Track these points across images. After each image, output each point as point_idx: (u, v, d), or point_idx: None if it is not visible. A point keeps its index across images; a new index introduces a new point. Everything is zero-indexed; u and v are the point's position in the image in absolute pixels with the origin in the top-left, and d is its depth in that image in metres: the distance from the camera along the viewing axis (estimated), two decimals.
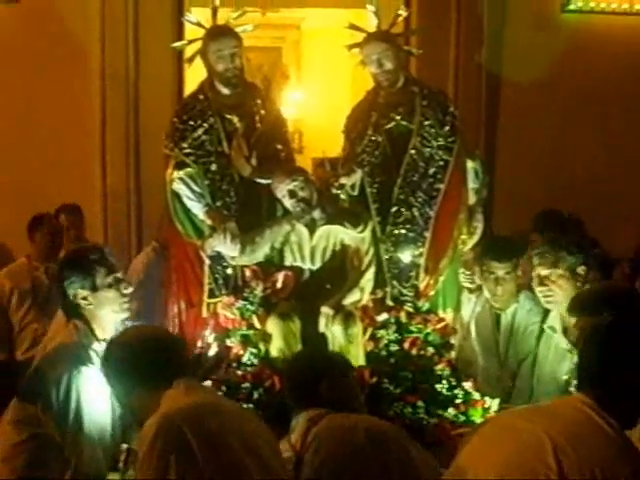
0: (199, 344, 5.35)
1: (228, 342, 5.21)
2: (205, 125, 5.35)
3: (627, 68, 7.77)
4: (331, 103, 12.90)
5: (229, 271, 5.38)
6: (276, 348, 4.99)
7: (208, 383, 4.95)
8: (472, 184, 5.61)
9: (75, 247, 5.20)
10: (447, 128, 5.51)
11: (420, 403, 4.95)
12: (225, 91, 5.39)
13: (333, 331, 4.99)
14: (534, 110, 7.84)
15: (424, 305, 5.44)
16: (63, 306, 4.30)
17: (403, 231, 5.47)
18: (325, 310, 5.03)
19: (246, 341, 5.11)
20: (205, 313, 5.36)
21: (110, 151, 7.55)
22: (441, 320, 5.46)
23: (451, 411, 4.95)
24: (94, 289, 4.17)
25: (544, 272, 4.79)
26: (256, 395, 4.86)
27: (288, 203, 5.25)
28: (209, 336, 5.31)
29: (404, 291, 5.44)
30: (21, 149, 7.35)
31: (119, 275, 4.31)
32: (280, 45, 14.06)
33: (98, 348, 4.19)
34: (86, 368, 4.02)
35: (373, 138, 5.53)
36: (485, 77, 7.80)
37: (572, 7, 7.88)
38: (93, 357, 4.13)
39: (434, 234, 5.50)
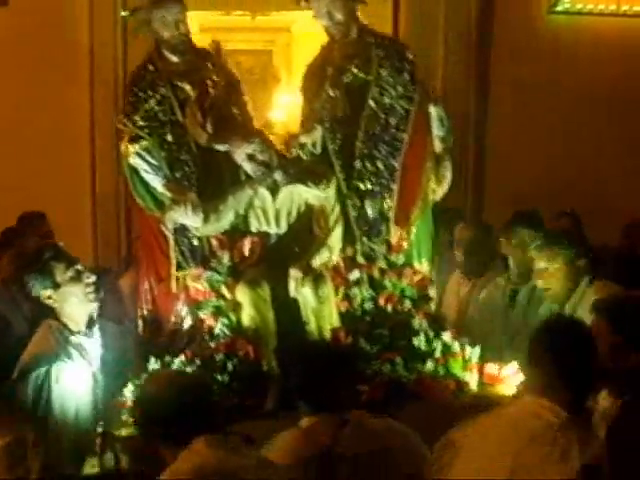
0: (172, 319, 5.27)
1: (200, 314, 5.13)
2: (157, 95, 5.21)
3: (615, 69, 7.60)
4: None
5: (195, 242, 5.26)
6: (247, 316, 4.90)
7: (182, 358, 4.90)
8: (437, 131, 5.45)
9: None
10: (406, 77, 5.35)
11: (398, 360, 4.88)
12: (174, 59, 5.25)
13: (303, 293, 4.89)
14: (522, 110, 7.65)
15: (398, 259, 5.32)
16: (32, 310, 4.31)
17: (369, 185, 5.34)
18: (294, 273, 4.92)
19: (217, 312, 5.02)
20: (174, 287, 5.25)
21: (99, 155, 7.38)
22: (417, 273, 5.36)
23: (430, 365, 4.87)
24: (56, 286, 4.20)
25: (541, 265, 4.70)
26: (230, 366, 4.78)
27: (248, 167, 5.13)
28: (181, 310, 5.23)
29: (375, 247, 5.32)
30: (10, 153, 7.18)
31: (79, 267, 4.30)
32: (271, 48, 14.10)
33: (76, 341, 4.18)
34: (62, 364, 4.07)
35: (331, 93, 5.37)
36: (474, 76, 7.59)
37: (559, 8, 7.72)
38: (71, 351, 4.16)
39: (401, 185, 5.37)
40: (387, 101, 5.33)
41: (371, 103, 5.32)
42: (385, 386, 4.77)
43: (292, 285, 4.91)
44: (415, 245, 5.48)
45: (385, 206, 5.35)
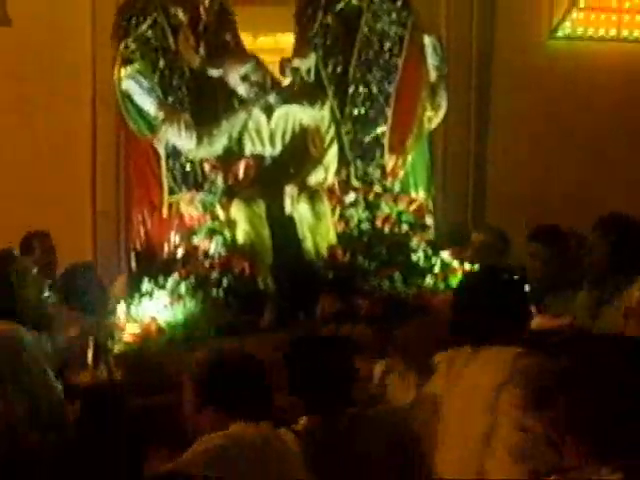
0: (165, 247, 5.18)
1: (195, 240, 5.04)
2: (148, 20, 5.15)
3: (616, 94, 7.55)
4: None
5: (187, 167, 5.18)
6: (242, 233, 4.82)
7: (176, 276, 4.81)
8: (431, 60, 5.43)
9: None
10: (399, 2, 5.33)
11: (397, 275, 4.80)
12: None
13: (300, 210, 4.82)
14: (523, 135, 7.55)
15: (394, 185, 5.27)
16: None
17: (363, 110, 5.30)
18: (289, 190, 4.86)
19: (212, 233, 4.94)
20: (166, 213, 5.16)
21: (101, 174, 7.27)
22: (413, 201, 5.30)
23: (430, 280, 4.79)
24: None
25: None
26: (226, 282, 4.69)
27: (242, 89, 5.07)
28: (175, 237, 5.14)
29: (369, 170, 5.26)
30: (10, 174, 6.99)
31: None
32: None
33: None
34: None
35: (324, 21, 5.35)
36: (474, 101, 7.53)
37: (560, 34, 7.76)
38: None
39: (396, 111, 5.32)
40: (380, 26, 5.31)
41: (364, 29, 5.30)
42: (384, 301, 4.69)
43: (288, 202, 4.85)
44: (411, 174, 5.43)
45: (379, 131, 5.29)
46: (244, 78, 5.03)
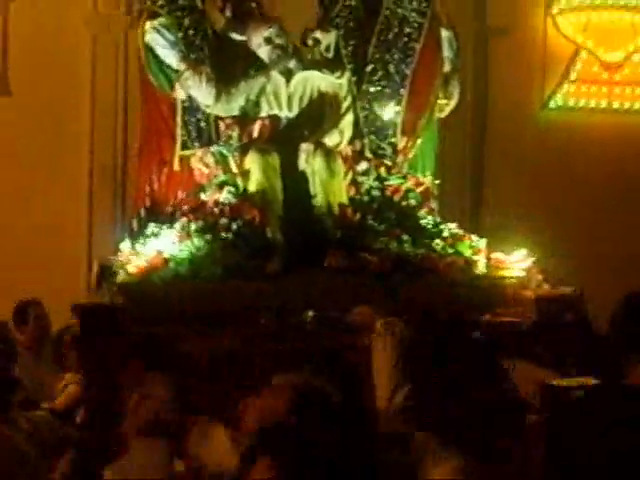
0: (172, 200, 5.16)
1: (203, 196, 5.03)
2: None
3: (607, 164, 7.69)
4: None
5: (202, 124, 5.20)
6: (255, 182, 4.82)
7: (184, 220, 4.78)
8: (447, 52, 5.57)
9: None
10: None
11: (406, 237, 4.80)
12: None
13: (314, 166, 4.84)
14: (516, 205, 7.64)
15: (404, 164, 5.33)
16: None
17: (379, 88, 5.39)
18: (305, 146, 4.89)
19: (223, 184, 4.93)
20: (177, 167, 5.15)
21: (96, 243, 7.15)
22: (420, 183, 5.35)
23: (439, 242, 4.80)
24: None
25: None
26: (235, 226, 4.66)
27: (264, 51, 5.14)
28: (184, 191, 5.13)
29: (382, 145, 5.32)
30: (10, 241, 6.93)
31: None
32: None
33: None
34: None
35: (347, 2, 5.49)
36: (469, 170, 7.71)
37: (552, 105, 8.08)
38: None
39: (410, 93, 5.42)
40: (401, 12, 5.45)
41: (386, 12, 5.44)
42: (393, 259, 4.68)
43: (303, 157, 4.87)
44: (420, 157, 5.49)
45: (394, 109, 5.37)
46: (268, 41, 5.11)
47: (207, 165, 5.10)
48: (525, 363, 3.44)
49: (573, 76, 7.99)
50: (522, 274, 4.77)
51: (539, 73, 7.81)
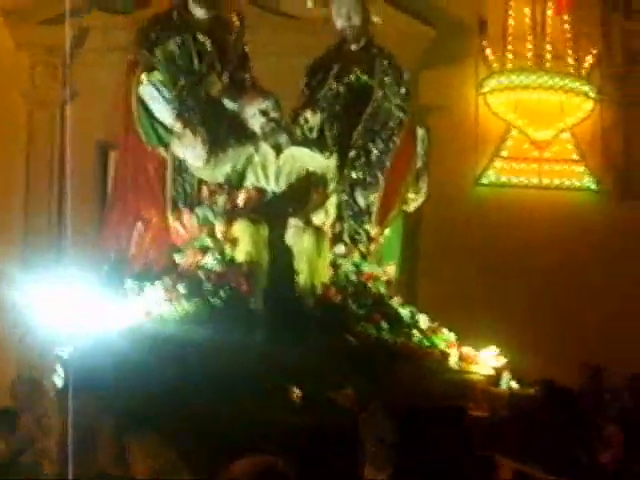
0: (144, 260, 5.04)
1: (177, 258, 4.95)
2: (178, 39, 5.24)
3: (539, 240, 8.08)
4: None
5: (187, 187, 5.14)
6: (244, 252, 4.78)
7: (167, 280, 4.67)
8: (419, 149, 5.76)
9: None
10: (403, 90, 5.70)
11: (384, 324, 4.87)
12: (200, 13, 5.33)
13: (304, 243, 4.86)
14: (450, 277, 7.86)
15: (375, 252, 5.43)
16: None
17: (360, 174, 5.50)
18: (294, 222, 4.91)
19: (205, 250, 4.86)
20: (163, 225, 5.06)
21: None
22: (385, 272, 5.45)
23: (416, 332, 4.88)
24: None
25: None
26: (222, 293, 4.60)
27: (258, 122, 5.17)
28: (159, 250, 5.03)
29: (359, 230, 5.41)
30: None
31: None
32: None
33: None
34: None
35: (333, 87, 5.62)
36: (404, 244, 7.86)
37: (485, 181, 8.47)
38: None
39: (386, 184, 5.56)
40: (387, 105, 5.62)
41: (374, 104, 5.59)
42: (373, 344, 4.72)
43: (291, 232, 4.88)
44: (386, 247, 5.60)
45: (371, 198, 5.49)
46: (263, 113, 5.14)
47: (185, 227, 5.03)
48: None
49: (504, 153, 8.40)
50: (491, 371, 4.91)
51: (472, 150, 8.18)
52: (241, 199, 5.06)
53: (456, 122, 8.08)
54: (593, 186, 8.92)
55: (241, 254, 4.77)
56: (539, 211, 8.30)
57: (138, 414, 3.94)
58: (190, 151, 5.03)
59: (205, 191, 5.13)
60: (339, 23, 5.67)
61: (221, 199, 5.01)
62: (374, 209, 5.51)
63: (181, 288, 4.56)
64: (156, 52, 5.18)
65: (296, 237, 4.87)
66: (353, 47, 5.68)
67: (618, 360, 6.39)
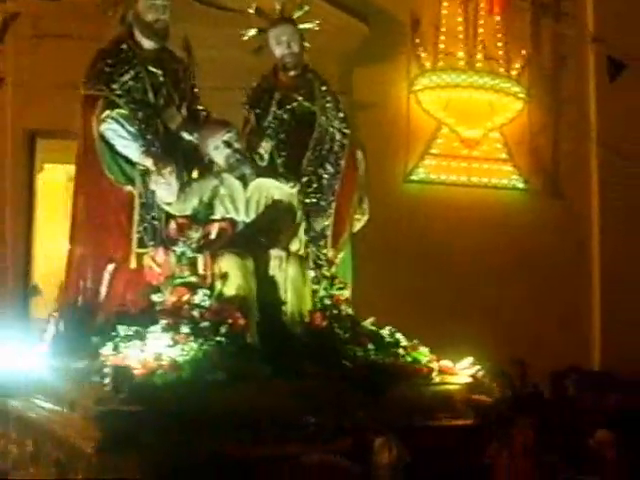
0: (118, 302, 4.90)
1: (155, 297, 4.85)
2: (131, 72, 5.12)
3: (466, 237, 8.27)
4: None
5: (156, 223, 5.04)
6: (234, 286, 4.76)
7: (163, 323, 4.58)
8: (360, 171, 5.94)
9: None
10: (342, 114, 5.86)
11: (370, 345, 5.01)
12: (147, 44, 5.23)
13: (289, 273, 4.90)
14: (381, 276, 8.02)
15: (335, 273, 5.54)
16: None
17: (314, 200, 5.60)
18: (277, 253, 4.94)
19: (191, 286, 4.79)
20: (134, 264, 4.92)
21: None
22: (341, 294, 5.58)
23: (400, 351, 5.06)
24: None
25: None
26: (223, 330, 4.56)
27: (223, 154, 5.15)
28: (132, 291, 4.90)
29: (320, 255, 5.50)
30: None
31: None
32: None
33: None
34: None
35: (278, 114, 5.68)
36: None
37: (414, 178, 8.60)
38: None
39: (337, 208, 5.70)
40: (331, 129, 5.77)
41: (319, 129, 5.71)
42: (368, 366, 4.85)
43: (275, 263, 4.91)
44: (341, 269, 5.73)
45: (326, 222, 5.61)
46: (228, 144, 5.13)
47: (160, 265, 4.93)
48: None
49: (435, 151, 8.61)
50: (469, 380, 5.16)
51: (403, 147, 8.36)
52: (214, 232, 5.04)
53: (388, 119, 8.24)
54: (521, 185, 9.30)
55: (232, 288, 4.75)
56: (467, 209, 8.52)
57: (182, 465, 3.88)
58: (164, 187, 4.93)
59: (173, 226, 5.05)
60: (278, 51, 5.73)
61: (195, 234, 4.95)
62: (328, 232, 5.64)
63: (185, 329, 4.47)
64: (113, 87, 5.03)
65: (280, 267, 4.90)
66: (292, 73, 5.76)
67: (542, 357, 6.82)
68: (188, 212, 5.08)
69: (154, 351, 4.32)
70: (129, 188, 4.99)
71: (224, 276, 4.77)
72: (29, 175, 8.29)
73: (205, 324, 4.58)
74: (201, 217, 5.08)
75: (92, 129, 4.98)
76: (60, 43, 7.48)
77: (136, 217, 4.97)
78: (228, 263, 4.79)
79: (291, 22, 5.73)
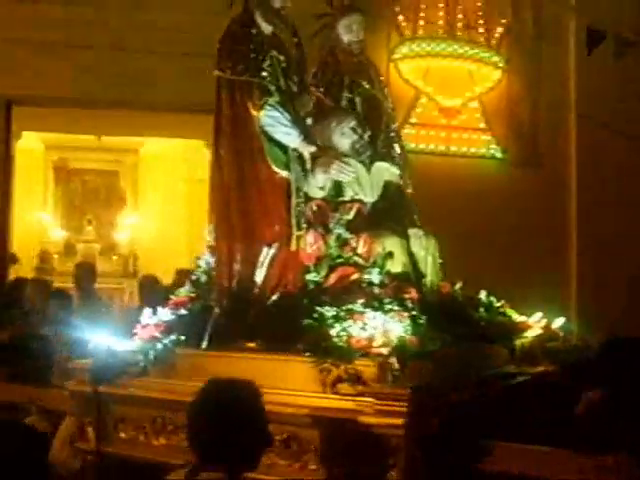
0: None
1: (308, 277, 5.12)
2: (267, 59, 5.19)
3: (445, 206, 8.10)
4: (166, 227, 13.60)
5: (302, 207, 5.25)
6: (400, 264, 5.19)
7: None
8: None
9: None
10: (389, 99, 6.36)
11: (481, 309, 5.69)
12: (268, 29, 5.24)
13: (430, 248, 5.43)
14: None
15: None
16: None
17: None
18: (415, 231, 5.42)
19: (356, 265, 5.12)
20: (294, 246, 5.11)
21: None
22: None
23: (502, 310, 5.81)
24: None
25: None
26: (409, 304, 4.99)
27: (349, 140, 5.49)
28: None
29: None
30: None
31: None
32: (117, 169, 14.44)
33: None
34: None
35: (350, 97, 6.04)
36: None
37: None
38: None
39: None
40: (392, 113, 6.26)
41: (387, 110, 6.18)
42: (497, 326, 5.55)
43: (417, 242, 5.38)
44: None
45: None
46: (354, 130, 5.48)
47: (312, 245, 5.18)
48: None
49: (413, 120, 8.71)
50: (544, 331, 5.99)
51: None
52: (352, 213, 5.38)
53: None
54: (499, 154, 9.46)
55: (398, 266, 5.16)
56: (446, 178, 8.62)
57: None
58: (336, 175, 5.20)
59: (314, 207, 5.30)
60: (347, 38, 6.05)
61: (349, 216, 5.27)
62: None
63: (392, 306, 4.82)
64: (263, 74, 5.09)
65: (421, 245, 5.39)
66: (355, 59, 6.13)
67: None
68: (323, 195, 5.35)
69: (381, 328, 4.65)
70: (285, 173, 5.12)
71: (389, 255, 5.16)
72: (5, 143, 7.86)
73: (387, 300, 4.96)
74: (334, 199, 5.39)
75: (241, 114, 5.02)
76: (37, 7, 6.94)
77: (293, 202, 5.13)
78: (392, 242, 5.19)
79: (359, 11, 6.08)
